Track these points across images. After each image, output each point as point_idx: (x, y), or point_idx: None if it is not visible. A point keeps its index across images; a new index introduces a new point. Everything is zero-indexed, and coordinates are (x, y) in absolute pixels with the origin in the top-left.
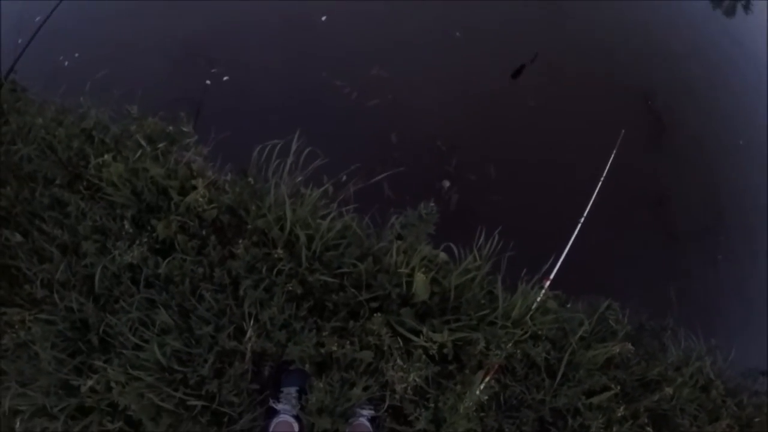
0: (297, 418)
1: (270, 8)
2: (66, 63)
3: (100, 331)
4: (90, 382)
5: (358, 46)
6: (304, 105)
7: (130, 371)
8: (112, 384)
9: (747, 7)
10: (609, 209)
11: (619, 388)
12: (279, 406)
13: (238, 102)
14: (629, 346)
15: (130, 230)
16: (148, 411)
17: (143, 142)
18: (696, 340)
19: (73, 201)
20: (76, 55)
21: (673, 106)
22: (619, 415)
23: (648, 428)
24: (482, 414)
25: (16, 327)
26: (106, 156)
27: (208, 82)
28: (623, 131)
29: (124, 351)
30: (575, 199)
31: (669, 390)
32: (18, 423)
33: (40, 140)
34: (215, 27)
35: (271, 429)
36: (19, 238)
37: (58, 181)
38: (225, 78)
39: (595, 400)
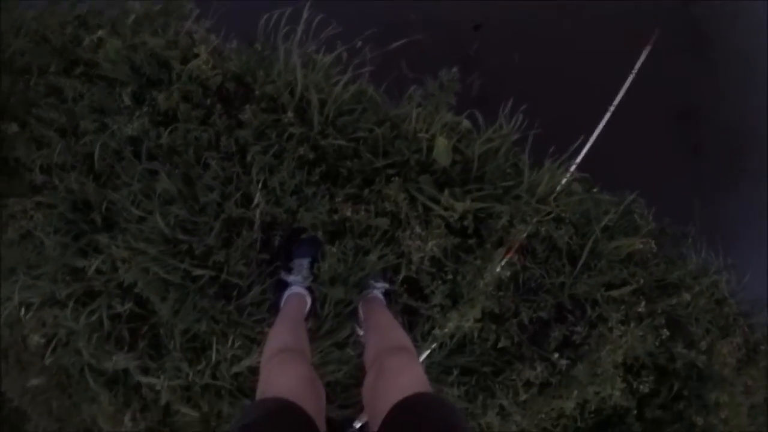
0: (309, 290)
1: None
2: None
3: (103, 208)
4: (96, 263)
5: None
6: None
7: (134, 245)
8: (118, 263)
9: None
10: (637, 111)
11: (641, 282)
12: (290, 278)
13: None
14: (652, 243)
15: (129, 104)
16: (155, 286)
17: (137, 8)
18: (714, 256)
19: (69, 84)
20: None
21: (716, 15)
22: (638, 310)
23: (663, 330)
24: (500, 293)
25: (18, 217)
26: (100, 32)
27: None
28: (657, 30)
29: (128, 226)
30: (605, 91)
31: (687, 296)
32: (28, 315)
33: (32, 33)
34: None
35: (282, 302)
36: (15, 128)
37: (52, 69)
38: None
39: (615, 293)
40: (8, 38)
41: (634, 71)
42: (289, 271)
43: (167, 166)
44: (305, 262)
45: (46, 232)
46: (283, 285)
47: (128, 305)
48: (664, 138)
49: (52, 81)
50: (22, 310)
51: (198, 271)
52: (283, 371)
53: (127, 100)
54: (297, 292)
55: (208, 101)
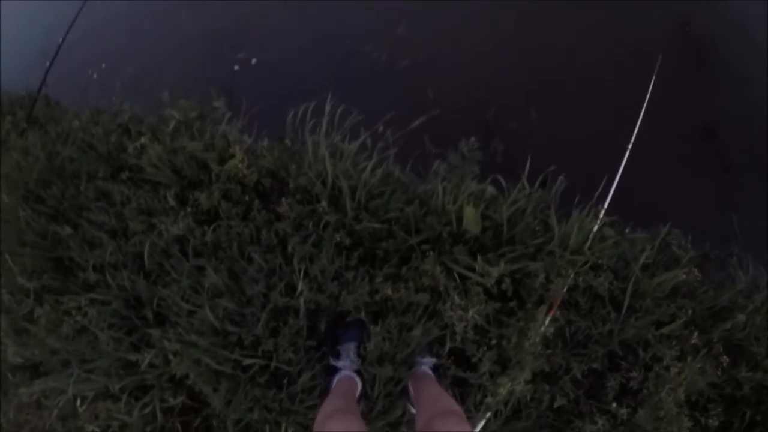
0: (359, 373)
1: None
2: (95, 75)
3: (154, 304)
4: (148, 357)
5: (380, 8)
6: (335, 74)
7: (185, 338)
8: (170, 356)
9: None
10: (656, 140)
11: (690, 313)
12: (339, 363)
13: (268, 81)
14: (696, 271)
15: (173, 205)
16: (207, 377)
17: (175, 115)
18: (763, 270)
19: (117, 189)
20: (103, 65)
21: (712, 33)
22: (693, 342)
23: (723, 357)
24: (548, 351)
25: (74, 313)
26: (143, 138)
27: (236, 67)
28: (661, 56)
29: (179, 320)
30: (621, 130)
31: (741, 317)
32: (82, 407)
33: (79, 141)
34: (235, 14)
35: (333, 385)
36: (68, 230)
37: (100, 174)
38: (253, 61)
39: (665, 330)
40: (57, 147)
41: (645, 103)
42: (337, 356)
43: (213, 262)
44: (352, 346)
45: (100, 327)
46: (333, 370)
47: (180, 398)
48: (689, 160)
49: (100, 186)
50: (78, 402)
51: (248, 361)
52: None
53: (171, 202)
54: (347, 375)
55: (247, 197)
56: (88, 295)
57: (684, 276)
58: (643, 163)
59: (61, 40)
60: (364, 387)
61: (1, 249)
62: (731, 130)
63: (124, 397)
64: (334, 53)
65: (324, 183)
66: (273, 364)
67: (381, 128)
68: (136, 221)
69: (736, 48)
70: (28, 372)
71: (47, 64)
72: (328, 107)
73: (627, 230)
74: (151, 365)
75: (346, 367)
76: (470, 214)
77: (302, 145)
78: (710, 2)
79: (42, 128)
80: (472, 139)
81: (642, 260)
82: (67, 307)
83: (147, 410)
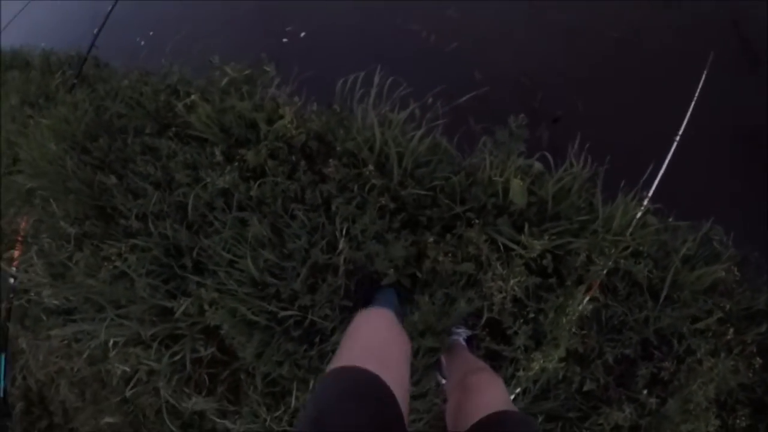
0: None
1: None
2: (142, 42)
3: (194, 254)
4: (184, 305)
5: None
6: (383, 51)
7: (223, 286)
8: (205, 306)
9: None
10: (703, 136)
11: (727, 310)
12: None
13: (316, 54)
14: (735, 270)
15: (220, 160)
16: (241, 328)
17: (229, 72)
18: None
19: (164, 144)
20: (151, 33)
21: (764, 34)
22: (727, 339)
23: (756, 359)
24: (583, 332)
25: (113, 258)
26: (193, 96)
27: (285, 40)
28: (712, 54)
29: (218, 270)
30: (669, 123)
31: None
32: (113, 352)
33: (127, 99)
34: None
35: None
36: (113, 180)
37: (148, 130)
38: (302, 34)
39: (701, 324)
40: (106, 103)
41: (695, 97)
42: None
43: (257, 215)
44: (392, 292)
45: (138, 273)
46: None
47: (211, 350)
48: (734, 161)
49: (147, 141)
50: (110, 345)
51: (284, 313)
52: (370, 319)
53: (219, 157)
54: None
55: (293, 158)
56: (130, 242)
57: (723, 273)
58: (690, 157)
59: (110, 6)
60: None
61: (46, 195)
62: None
63: (155, 345)
64: (383, 30)
65: (371, 149)
66: (309, 317)
67: (430, 100)
68: (182, 174)
69: None
70: (62, 317)
71: (95, 30)
72: (377, 79)
73: (670, 220)
74: (185, 314)
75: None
76: (517, 186)
77: (350, 112)
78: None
79: (90, 86)
80: (521, 115)
81: (683, 251)
82: (107, 253)
83: (176, 359)
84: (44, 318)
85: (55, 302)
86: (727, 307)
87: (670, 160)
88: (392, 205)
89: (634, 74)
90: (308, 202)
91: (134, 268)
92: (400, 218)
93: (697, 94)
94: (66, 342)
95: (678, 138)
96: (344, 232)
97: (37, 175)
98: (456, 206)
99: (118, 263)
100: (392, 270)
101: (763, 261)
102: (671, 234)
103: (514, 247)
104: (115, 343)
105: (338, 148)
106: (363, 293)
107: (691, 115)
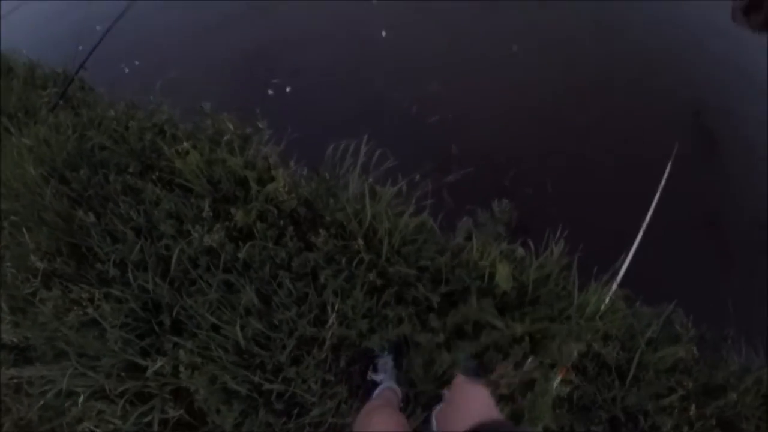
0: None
1: (330, 24)
2: (127, 70)
3: (174, 312)
4: (158, 364)
5: (417, 62)
6: (365, 117)
7: (206, 352)
8: (181, 368)
9: None
10: (665, 224)
11: (688, 388)
12: (378, 377)
13: (300, 111)
14: (694, 350)
15: (210, 214)
16: (219, 396)
17: (230, 130)
18: (755, 353)
19: (149, 188)
20: (137, 63)
21: (722, 122)
22: (689, 415)
23: (716, 430)
24: (557, 411)
25: (84, 304)
26: (185, 144)
27: (270, 92)
28: (677, 144)
29: (199, 333)
30: (635, 206)
31: (733, 395)
32: (68, 403)
33: (111, 131)
34: (276, 39)
35: (374, 395)
36: (92, 218)
37: (130, 170)
38: (287, 89)
39: (665, 401)
40: (90, 131)
41: (661, 187)
42: (375, 369)
43: (243, 279)
44: (389, 359)
45: (111, 324)
46: (372, 385)
47: (179, 412)
48: (695, 244)
49: (129, 181)
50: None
51: (269, 386)
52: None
53: (207, 211)
54: (388, 386)
55: (282, 222)
56: (105, 289)
57: (683, 353)
58: (654, 242)
59: (101, 28)
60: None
61: (18, 221)
62: (734, 218)
63: (122, 402)
64: (367, 96)
65: (360, 222)
66: (291, 390)
67: (417, 178)
68: (166, 224)
69: (741, 139)
70: (14, 353)
71: (80, 47)
72: (363, 148)
73: (637, 304)
74: (157, 373)
75: (386, 380)
76: (503, 271)
77: (339, 181)
78: (719, 94)
79: (74, 110)
80: (505, 200)
81: (648, 334)
82: (78, 297)
83: (145, 420)
84: None
85: (13, 339)
86: (689, 384)
87: (637, 247)
88: (380, 282)
89: (601, 160)
90: (295, 271)
91: (109, 319)
92: (390, 292)
93: (662, 184)
94: (16, 381)
95: (644, 226)
96: (335, 307)
97: (10, 196)
98: (440, 288)
99: (89, 310)
100: (380, 347)
101: (719, 338)
102: (637, 317)
103: (500, 326)
104: (73, 393)
105: (327, 218)
106: (361, 363)
107: (658, 200)
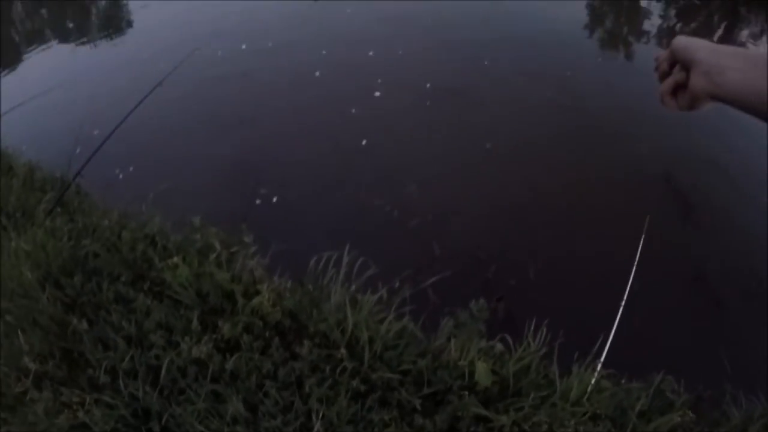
0: None
1: (314, 134)
2: (121, 176)
3: (163, 420)
4: None
5: (396, 167)
6: (349, 223)
7: None
8: None
9: None
10: (649, 289)
11: None
12: None
13: (286, 221)
14: (689, 413)
15: (199, 327)
16: None
17: (216, 246)
18: (756, 400)
19: (140, 298)
20: (131, 168)
21: (696, 183)
22: None
23: None
24: None
25: (75, 408)
26: (175, 258)
27: (258, 201)
28: (648, 217)
29: None
30: (615, 284)
31: None
32: None
33: (105, 240)
34: (263, 151)
35: None
36: (85, 325)
37: (123, 279)
38: (274, 199)
39: None
40: (85, 239)
41: (636, 261)
42: None
43: (230, 390)
44: None
45: (102, 430)
46: None
47: None
48: (682, 303)
49: (121, 290)
50: None
51: None
52: None
53: (195, 324)
54: None
55: (267, 333)
56: (95, 395)
57: (679, 419)
58: (639, 312)
59: (98, 133)
60: None
61: (13, 322)
62: (720, 271)
63: None
64: (349, 204)
65: (343, 331)
66: None
67: (397, 284)
68: (156, 335)
69: (718, 195)
70: None
71: (77, 150)
72: (345, 258)
73: (623, 381)
74: None
75: None
76: (482, 369)
77: (321, 291)
78: (689, 158)
79: (70, 215)
80: (482, 300)
81: (638, 407)
82: (69, 400)
83: None
84: None
85: None
86: None
87: (620, 320)
88: (363, 388)
89: (580, 240)
90: (281, 380)
91: (99, 424)
92: (371, 401)
93: (636, 261)
94: None
95: (623, 304)
96: (320, 414)
97: (5, 296)
98: (422, 390)
99: (80, 413)
100: None
101: (715, 395)
102: (625, 393)
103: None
104: None
105: (311, 328)
106: None
107: (636, 271)
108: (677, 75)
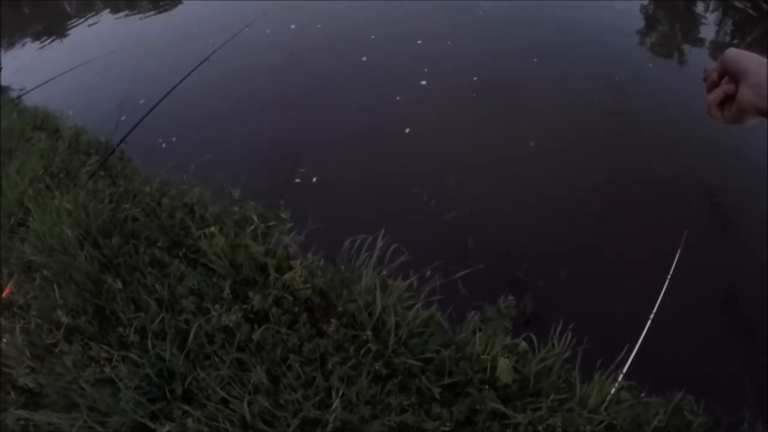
0: None
1: (357, 119)
2: (164, 145)
3: (186, 382)
4: (166, 429)
5: (437, 157)
6: (386, 208)
7: (213, 423)
8: None
9: None
10: (680, 305)
11: None
12: None
13: (323, 201)
14: None
15: (230, 295)
16: None
17: (254, 219)
18: None
19: (175, 263)
20: (173, 139)
21: (739, 202)
22: None
23: None
24: None
25: (102, 363)
26: (212, 228)
27: (297, 180)
28: (686, 233)
29: (208, 404)
30: (646, 296)
31: None
32: None
33: (145, 205)
34: (305, 131)
35: None
36: (119, 284)
37: (159, 244)
38: (314, 179)
39: None
40: (125, 203)
41: (669, 275)
42: None
43: (254, 359)
44: None
45: (126, 385)
46: None
47: None
48: (712, 324)
49: (157, 255)
50: None
51: None
52: None
53: (227, 293)
54: None
55: (296, 309)
56: (123, 352)
57: None
58: (667, 327)
59: (144, 102)
60: None
61: (49, 276)
62: (753, 296)
63: None
64: (387, 189)
65: (370, 314)
66: None
67: (428, 273)
68: (188, 300)
69: (760, 217)
70: (25, 396)
71: (122, 117)
72: (379, 242)
73: (643, 394)
74: None
75: None
76: (504, 365)
77: (352, 273)
78: (736, 174)
79: (112, 179)
80: (510, 297)
81: (654, 423)
82: (97, 355)
83: None
84: (12, 394)
85: (27, 383)
86: None
87: (646, 333)
88: (385, 371)
89: (614, 247)
90: (305, 355)
91: (124, 380)
92: (394, 382)
93: (671, 273)
94: (23, 424)
95: (652, 316)
96: (339, 392)
97: (44, 252)
98: (443, 379)
99: (106, 369)
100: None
101: (734, 422)
102: (644, 407)
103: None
104: None
105: (339, 308)
106: None
107: (672, 283)
108: (726, 86)
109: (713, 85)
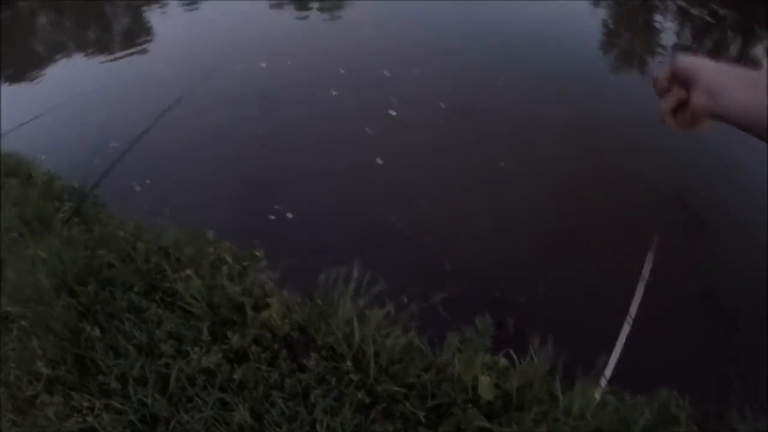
0: None
1: (330, 153)
2: (137, 188)
3: (171, 426)
4: None
5: (409, 185)
6: (362, 239)
7: None
8: None
9: None
10: (659, 306)
11: None
12: None
13: (301, 239)
14: (694, 428)
15: (209, 337)
16: None
17: (228, 260)
18: (764, 415)
19: (152, 308)
20: (147, 182)
21: (708, 200)
22: None
23: None
24: None
25: (84, 412)
26: (188, 270)
27: (272, 217)
28: (657, 236)
29: None
30: (624, 302)
31: None
32: None
33: (120, 250)
34: (278, 168)
35: None
36: (98, 332)
37: (136, 289)
38: (288, 215)
39: None
40: (100, 249)
41: (643, 279)
42: None
43: (237, 399)
44: None
45: None
46: None
47: None
48: (692, 321)
49: (134, 300)
50: None
51: None
52: None
53: (205, 334)
54: None
55: (276, 345)
56: (105, 400)
57: None
58: (647, 329)
59: (116, 145)
60: None
61: (27, 327)
62: (731, 289)
63: None
64: (363, 219)
65: (350, 345)
66: None
67: (405, 300)
68: (167, 344)
69: (730, 212)
70: None
71: (95, 161)
72: (355, 273)
73: (627, 396)
74: None
75: None
76: (485, 382)
77: (330, 305)
78: (702, 174)
79: (86, 225)
80: (487, 315)
81: (642, 422)
82: (79, 405)
83: None
84: None
85: None
86: None
87: (625, 341)
88: (368, 400)
89: (589, 257)
90: (287, 391)
91: (107, 428)
92: (378, 409)
93: (644, 276)
94: None
95: (630, 319)
96: (324, 425)
97: (20, 302)
98: (426, 403)
99: (89, 418)
100: None
101: (722, 410)
102: (629, 409)
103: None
104: None
105: (318, 341)
106: None
107: (644, 288)
108: (677, 93)
109: (664, 93)
